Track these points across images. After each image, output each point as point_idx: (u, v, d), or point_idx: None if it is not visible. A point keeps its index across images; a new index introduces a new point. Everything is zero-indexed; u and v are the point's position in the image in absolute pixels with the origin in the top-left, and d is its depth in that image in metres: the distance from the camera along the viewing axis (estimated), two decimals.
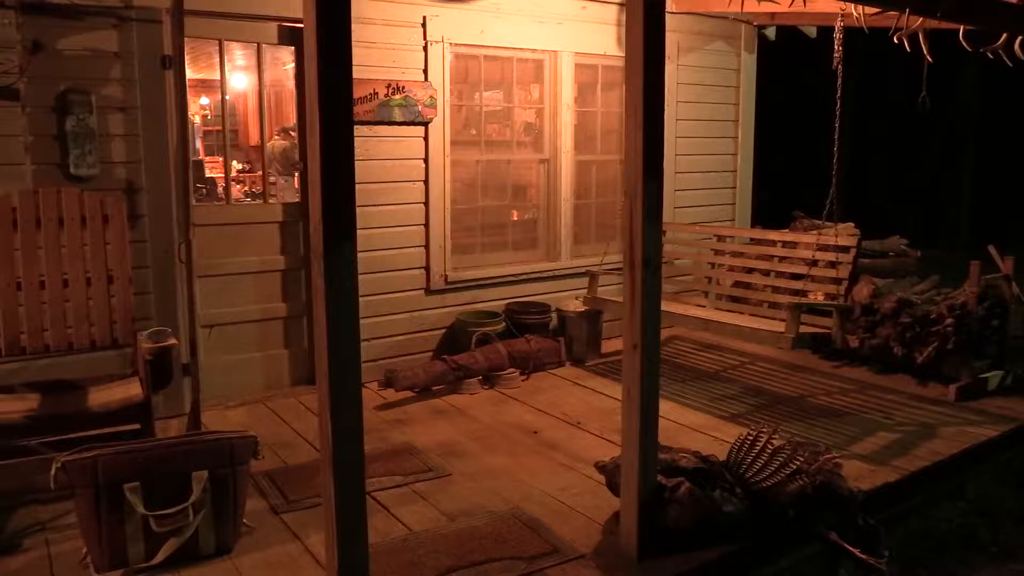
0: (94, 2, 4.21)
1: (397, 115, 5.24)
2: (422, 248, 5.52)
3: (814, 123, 10.00)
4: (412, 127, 5.35)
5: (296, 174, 6.96)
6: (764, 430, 3.40)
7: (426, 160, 5.45)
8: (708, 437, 4.37)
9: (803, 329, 4.56)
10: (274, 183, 6.99)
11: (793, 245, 5.34)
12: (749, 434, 3.41)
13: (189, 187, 4.44)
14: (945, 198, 14.95)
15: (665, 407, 3.61)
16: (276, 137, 7.77)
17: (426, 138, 5.42)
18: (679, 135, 6.60)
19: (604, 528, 3.36)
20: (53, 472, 2.89)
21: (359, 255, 2.48)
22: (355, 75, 2.43)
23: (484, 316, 5.68)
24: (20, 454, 3.31)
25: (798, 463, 3.23)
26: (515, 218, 6.27)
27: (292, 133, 7.68)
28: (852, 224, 6.00)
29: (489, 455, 4.17)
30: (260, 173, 6.52)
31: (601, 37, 6.09)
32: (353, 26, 2.37)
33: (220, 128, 5.85)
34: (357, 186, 2.44)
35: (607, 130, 6.43)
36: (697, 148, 6.81)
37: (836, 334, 4.66)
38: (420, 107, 5.32)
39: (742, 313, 5.35)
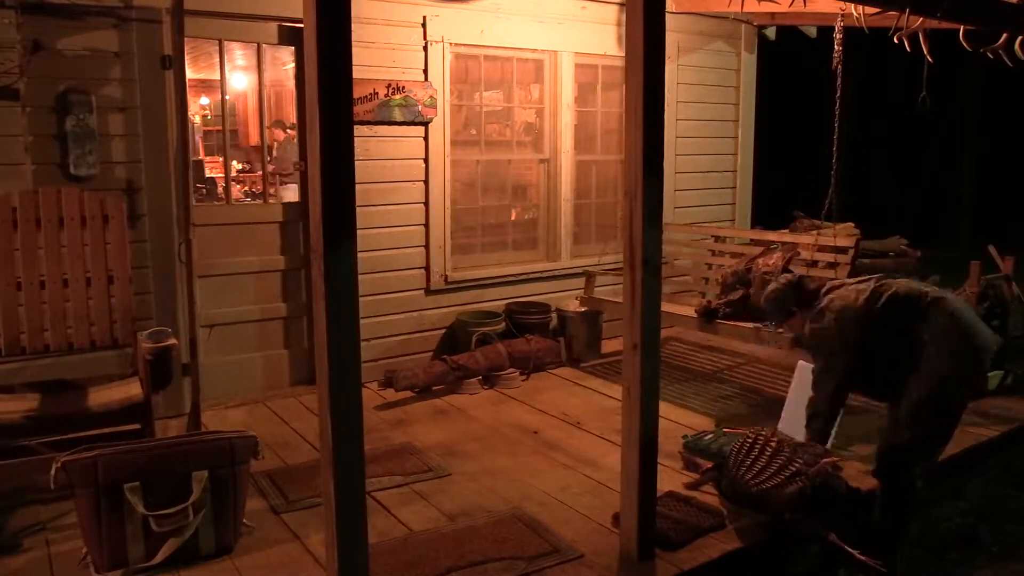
0: (94, 2, 4.21)
1: (397, 115, 5.24)
2: (422, 248, 5.52)
3: (814, 123, 10.02)
4: (412, 127, 5.35)
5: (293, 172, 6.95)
6: (763, 431, 3.41)
7: (426, 160, 5.45)
8: None
9: None
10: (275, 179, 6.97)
11: (792, 246, 5.32)
12: (748, 435, 3.41)
13: (189, 187, 4.44)
14: (945, 198, 14.95)
15: (665, 407, 3.61)
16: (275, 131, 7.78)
17: (426, 138, 5.42)
18: (679, 135, 6.60)
19: (604, 528, 3.36)
20: (53, 472, 2.89)
21: (359, 255, 2.48)
22: (355, 75, 2.43)
23: (484, 316, 5.68)
24: (20, 454, 3.31)
25: (798, 465, 3.23)
26: (515, 218, 6.27)
27: (278, 130, 7.72)
28: (852, 224, 5.99)
29: (489, 455, 4.17)
30: (260, 173, 6.52)
31: (601, 37, 6.09)
32: (353, 26, 2.36)
33: (220, 128, 5.86)
34: (357, 186, 2.44)
35: (607, 130, 6.43)
36: (697, 148, 6.81)
37: None
38: (420, 107, 5.32)
39: None
